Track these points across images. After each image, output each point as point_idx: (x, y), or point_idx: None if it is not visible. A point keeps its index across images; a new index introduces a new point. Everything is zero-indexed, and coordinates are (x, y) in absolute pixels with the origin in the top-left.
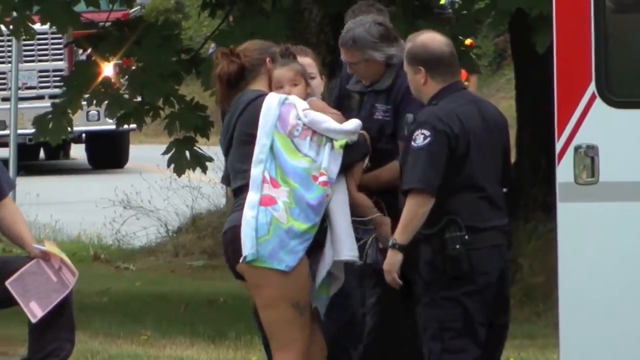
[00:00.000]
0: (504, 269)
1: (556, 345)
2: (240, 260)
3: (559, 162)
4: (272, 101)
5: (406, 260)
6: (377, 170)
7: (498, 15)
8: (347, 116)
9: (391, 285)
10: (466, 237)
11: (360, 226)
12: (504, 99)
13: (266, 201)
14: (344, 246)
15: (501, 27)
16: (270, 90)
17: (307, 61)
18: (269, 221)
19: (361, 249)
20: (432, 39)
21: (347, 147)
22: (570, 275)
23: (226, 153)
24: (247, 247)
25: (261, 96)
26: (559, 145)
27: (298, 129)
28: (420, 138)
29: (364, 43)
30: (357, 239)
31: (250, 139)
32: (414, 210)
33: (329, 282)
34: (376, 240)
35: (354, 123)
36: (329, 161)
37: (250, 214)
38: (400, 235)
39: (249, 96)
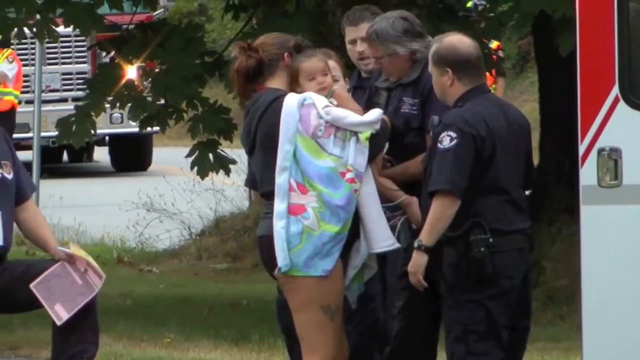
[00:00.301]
0: (527, 272)
1: (580, 347)
2: (275, 272)
3: (582, 164)
4: (291, 103)
5: (431, 262)
6: (405, 163)
7: (521, 17)
8: None
9: (416, 288)
10: (491, 240)
11: (388, 211)
12: (527, 102)
13: (295, 210)
14: (379, 237)
15: (524, 30)
16: (289, 85)
17: (330, 64)
18: (300, 230)
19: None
20: (460, 40)
21: (371, 137)
22: (593, 278)
23: (250, 154)
24: (280, 259)
25: (280, 97)
26: (582, 148)
27: (321, 129)
28: (447, 140)
29: (386, 37)
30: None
31: (273, 144)
32: (441, 212)
33: (362, 271)
34: (407, 221)
35: (375, 113)
36: (355, 156)
37: (279, 225)
38: (426, 236)
39: (268, 97)
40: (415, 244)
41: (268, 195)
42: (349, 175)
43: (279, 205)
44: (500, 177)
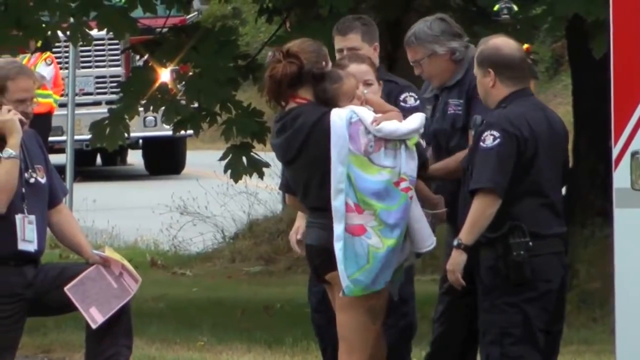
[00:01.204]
0: (564, 276)
1: (613, 351)
2: (341, 295)
3: (615, 167)
4: (339, 123)
5: (469, 262)
6: (445, 160)
7: (555, 20)
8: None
9: (454, 286)
10: (530, 243)
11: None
12: (561, 105)
13: (357, 231)
14: (424, 237)
15: (558, 33)
16: (315, 95)
17: (363, 68)
18: (366, 251)
19: None
20: (504, 42)
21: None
22: (626, 281)
23: (287, 165)
24: (344, 282)
25: (325, 115)
26: (615, 151)
27: (372, 145)
28: (490, 139)
29: (425, 38)
30: None
31: (322, 164)
32: (482, 211)
33: (402, 265)
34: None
35: (419, 117)
36: (407, 163)
37: (337, 247)
38: (466, 235)
39: (310, 115)
40: (455, 242)
41: (315, 210)
42: (403, 184)
43: (337, 227)
44: (540, 180)
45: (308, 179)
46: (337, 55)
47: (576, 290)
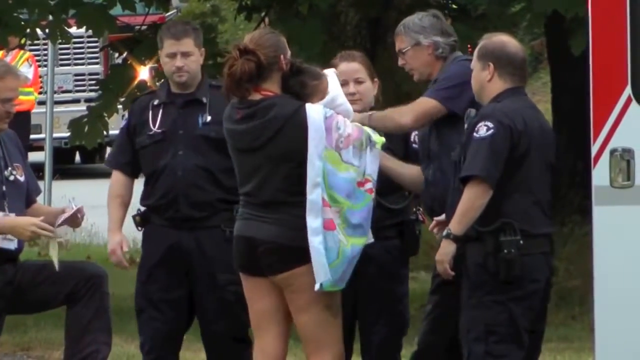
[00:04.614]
0: (550, 276)
1: (592, 348)
2: (316, 288)
3: (594, 165)
4: (317, 118)
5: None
6: (403, 163)
7: (534, 17)
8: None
9: (442, 276)
10: (521, 241)
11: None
12: (540, 102)
13: (329, 225)
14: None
15: (537, 30)
16: (281, 89)
17: (354, 66)
18: (337, 246)
19: None
20: (509, 40)
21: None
22: (605, 278)
23: (241, 153)
24: (321, 275)
25: (300, 109)
26: (594, 149)
27: (342, 140)
28: (484, 129)
29: (412, 27)
30: None
31: (290, 155)
32: (472, 201)
33: None
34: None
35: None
36: (371, 164)
37: (316, 241)
38: (456, 225)
39: (285, 107)
40: (444, 233)
41: (267, 203)
42: (367, 185)
43: (314, 222)
44: (530, 178)
45: (269, 171)
46: (165, 60)
47: (555, 288)
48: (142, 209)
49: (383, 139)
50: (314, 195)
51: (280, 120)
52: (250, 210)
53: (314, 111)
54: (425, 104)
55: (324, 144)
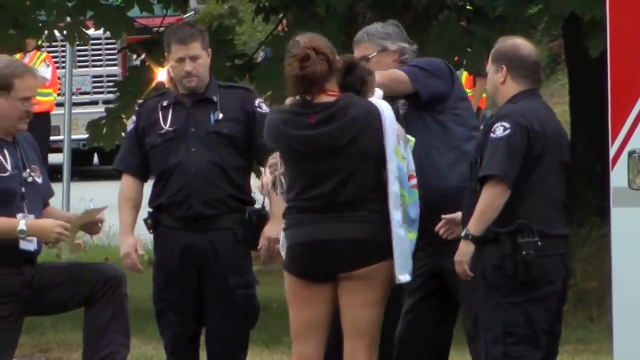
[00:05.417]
0: (567, 277)
1: (610, 350)
2: (402, 280)
3: (612, 167)
4: (388, 112)
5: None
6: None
7: (551, 19)
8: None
9: (461, 277)
10: (539, 243)
11: None
12: (557, 104)
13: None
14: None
15: (554, 32)
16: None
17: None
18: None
19: None
20: (523, 43)
21: None
22: (623, 280)
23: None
24: (408, 268)
25: (371, 106)
26: (612, 150)
27: (398, 133)
28: (500, 130)
29: (377, 34)
30: None
31: (368, 152)
32: (490, 201)
33: None
34: None
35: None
36: (411, 161)
37: (403, 232)
38: (474, 225)
39: (360, 107)
40: (463, 233)
41: (346, 203)
42: (413, 181)
43: (397, 214)
44: (546, 179)
45: (351, 170)
46: (174, 64)
47: (573, 290)
48: (152, 210)
49: (414, 139)
50: (395, 187)
51: (360, 119)
52: (319, 214)
53: (385, 106)
54: (397, 74)
55: (396, 137)
